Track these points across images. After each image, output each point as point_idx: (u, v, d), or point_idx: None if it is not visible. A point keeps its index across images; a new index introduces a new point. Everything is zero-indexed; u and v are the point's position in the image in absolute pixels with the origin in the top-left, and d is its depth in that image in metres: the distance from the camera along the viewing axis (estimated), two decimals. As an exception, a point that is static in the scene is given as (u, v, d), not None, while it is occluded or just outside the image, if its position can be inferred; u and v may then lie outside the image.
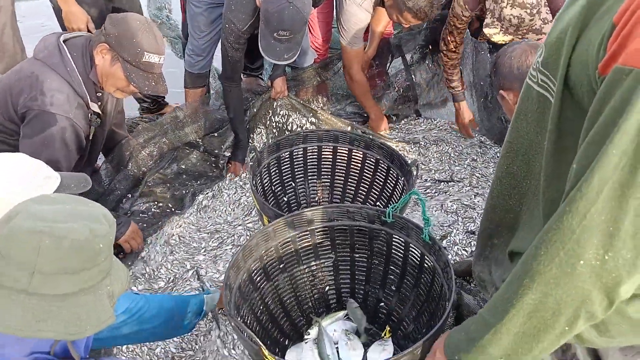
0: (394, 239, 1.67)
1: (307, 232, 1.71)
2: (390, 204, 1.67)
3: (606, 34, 0.74)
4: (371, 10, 2.57)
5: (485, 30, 2.25)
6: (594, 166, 0.73)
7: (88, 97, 1.90)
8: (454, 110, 2.87)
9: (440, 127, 2.99)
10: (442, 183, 2.60)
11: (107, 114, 2.10)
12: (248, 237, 2.14)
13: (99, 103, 1.99)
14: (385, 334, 1.72)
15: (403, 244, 1.65)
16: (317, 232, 1.72)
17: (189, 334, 1.82)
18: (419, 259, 1.62)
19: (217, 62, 3.13)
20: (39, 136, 1.80)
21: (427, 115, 3.11)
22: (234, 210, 2.45)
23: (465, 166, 2.70)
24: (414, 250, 1.62)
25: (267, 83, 2.85)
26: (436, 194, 2.52)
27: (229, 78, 2.49)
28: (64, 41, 1.88)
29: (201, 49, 2.69)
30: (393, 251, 1.70)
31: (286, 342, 1.75)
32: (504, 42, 2.21)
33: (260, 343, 1.19)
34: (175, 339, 1.83)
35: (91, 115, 1.95)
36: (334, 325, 1.74)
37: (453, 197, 2.48)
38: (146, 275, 2.09)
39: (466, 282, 2.00)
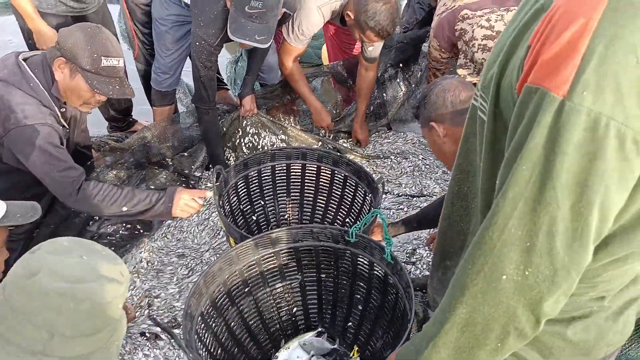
0: (358, 259, 1.66)
1: (272, 254, 1.69)
2: (360, 221, 1.66)
3: (523, 56, 0.76)
4: (327, 18, 2.54)
5: (459, 71, 2.29)
6: (509, 181, 0.74)
7: (56, 110, 1.88)
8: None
9: (410, 141, 3.00)
10: (414, 198, 2.60)
11: (70, 130, 2.07)
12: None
13: (62, 120, 1.96)
14: (353, 354, 1.71)
15: (368, 264, 1.64)
16: (282, 253, 1.70)
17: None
18: (383, 279, 1.61)
19: (186, 77, 3.11)
20: (34, 153, 1.77)
21: (398, 130, 3.13)
22: (201, 233, 2.41)
23: (436, 179, 2.71)
24: (378, 269, 1.61)
25: (236, 101, 2.82)
26: (410, 209, 2.52)
27: (203, 100, 2.44)
28: (23, 60, 1.86)
29: (168, 66, 2.66)
30: (358, 271, 1.68)
31: (254, 367, 1.72)
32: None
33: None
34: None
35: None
36: (299, 351, 1.71)
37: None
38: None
39: (434, 299, 2.00)
